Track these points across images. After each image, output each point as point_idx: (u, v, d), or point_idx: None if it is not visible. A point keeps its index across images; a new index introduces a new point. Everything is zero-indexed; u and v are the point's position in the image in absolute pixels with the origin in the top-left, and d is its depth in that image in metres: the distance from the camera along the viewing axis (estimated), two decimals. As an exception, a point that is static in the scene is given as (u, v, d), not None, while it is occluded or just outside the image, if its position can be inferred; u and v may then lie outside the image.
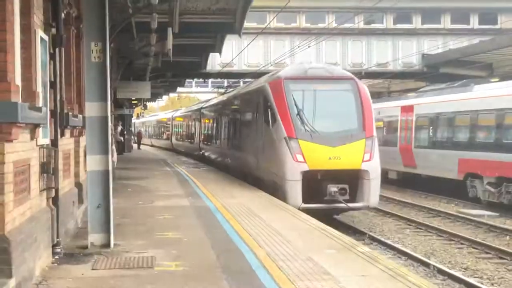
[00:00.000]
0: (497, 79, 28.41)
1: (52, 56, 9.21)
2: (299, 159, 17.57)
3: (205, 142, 35.44)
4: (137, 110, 69.74)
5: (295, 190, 17.47)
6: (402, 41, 37.51)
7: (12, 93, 6.33)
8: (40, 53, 8.23)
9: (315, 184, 17.65)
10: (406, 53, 36.74)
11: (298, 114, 18.23)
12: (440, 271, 13.40)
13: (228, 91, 36.91)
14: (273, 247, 9.80)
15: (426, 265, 13.99)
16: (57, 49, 9.40)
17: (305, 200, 17.50)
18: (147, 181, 22.25)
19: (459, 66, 34.48)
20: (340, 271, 8.12)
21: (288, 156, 17.67)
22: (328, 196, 17.52)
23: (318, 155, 17.63)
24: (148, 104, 67.80)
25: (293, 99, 18.48)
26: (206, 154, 34.89)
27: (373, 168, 17.94)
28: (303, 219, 13.14)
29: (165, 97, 78.68)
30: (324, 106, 18.50)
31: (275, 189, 18.33)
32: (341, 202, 17.56)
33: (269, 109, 19.11)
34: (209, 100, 41.84)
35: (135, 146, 59.16)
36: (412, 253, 15.25)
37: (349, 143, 17.88)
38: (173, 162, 34.78)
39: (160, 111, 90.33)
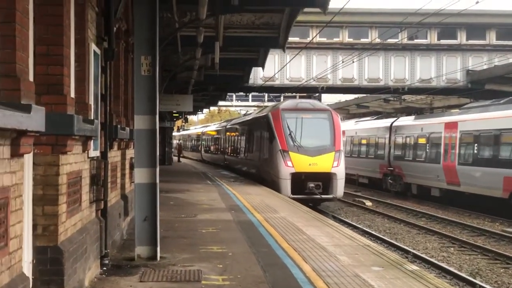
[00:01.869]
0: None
1: (104, 69, 9.32)
2: (289, 164, 25.55)
3: (229, 154, 44.13)
4: (178, 123, 70.52)
5: (286, 185, 25.30)
6: (446, 57, 37.14)
7: (68, 106, 6.44)
8: (93, 67, 8.34)
9: (299, 181, 25.36)
10: (450, 69, 36.37)
11: (290, 134, 26.16)
12: (487, 291, 13.18)
13: (246, 114, 49.93)
14: (318, 263, 9.74)
15: (472, 284, 13.75)
16: (108, 63, 9.51)
17: (292, 192, 24.99)
18: (189, 194, 22.36)
19: (504, 83, 34.00)
20: (388, 289, 8.03)
21: (282, 162, 25.67)
22: (308, 190, 25.24)
23: (302, 162, 25.47)
24: (188, 117, 68.68)
25: (287, 123, 26.46)
26: (229, 163, 43.45)
27: (340, 171, 25.67)
28: (347, 235, 13.05)
29: (205, 110, 79.30)
30: (308, 129, 26.37)
31: (273, 185, 26.09)
32: (316, 194, 25.24)
33: (270, 130, 27.30)
34: (231, 120, 52.72)
35: (175, 159, 59.59)
36: (457, 272, 15.02)
37: (323, 154, 25.57)
38: (214, 176, 34.91)
39: (199, 124, 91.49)
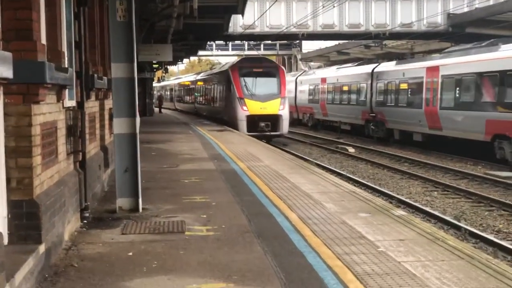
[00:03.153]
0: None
1: (77, 16, 8.93)
2: (244, 109, 32.37)
3: (198, 102, 51.88)
4: (158, 73, 69.95)
5: (243, 125, 32.03)
6: (427, 0, 36.71)
7: (38, 53, 6.10)
8: (64, 12, 7.96)
9: (253, 122, 32.05)
10: (431, 13, 36.01)
11: (245, 85, 32.84)
12: (472, 234, 13.12)
13: (212, 68, 61.74)
14: (304, 211, 9.57)
15: (457, 228, 13.71)
16: (81, 9, 9.11)
17: (248, 131, 31.09)
18: (171, 144, 22.10)
19: (485, 26, 33.76)
20: (376, 235, 7.87)
21: (239, 107, 32.58)
22: (259, 128, 31.86)
23: (255, 106, 32.23)
24: (169, 68, 68.09)
25: (243, 76, 33.02)
26: (198, 110, 50.81)
27: (285, 113, 32.63)
28: (333, 182, 12.89)
29: (185, 61, 78.70)
30: (259, 81, 33.00)
31: (233, 125, 32.55)
32: (266, 132, 31.88)
33: (229, 82, 33.97)
34: (199, 73, 61.18)
35: (156, 110, 59.16)
36: (441, 215, 14.99)
37: (271, 100, 32.34)
38: (195, 125, 34.64)
39: (180, 74, 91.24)
